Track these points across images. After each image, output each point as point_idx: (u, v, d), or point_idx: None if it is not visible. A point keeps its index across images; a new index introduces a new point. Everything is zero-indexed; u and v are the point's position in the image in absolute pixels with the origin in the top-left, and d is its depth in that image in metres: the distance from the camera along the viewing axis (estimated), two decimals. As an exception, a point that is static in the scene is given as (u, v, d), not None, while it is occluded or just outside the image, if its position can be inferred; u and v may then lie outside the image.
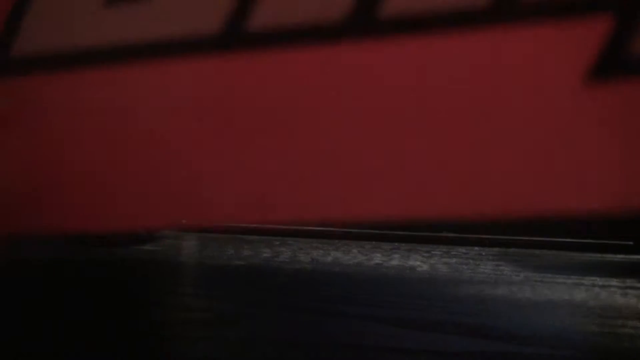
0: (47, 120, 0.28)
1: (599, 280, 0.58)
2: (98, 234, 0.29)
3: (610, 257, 0.82)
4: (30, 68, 0.28)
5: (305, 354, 0.31)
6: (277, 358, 0.31)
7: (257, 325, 0.34)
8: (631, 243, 0.79)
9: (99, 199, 0.30)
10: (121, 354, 0.28)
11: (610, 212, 0.26)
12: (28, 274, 0.54)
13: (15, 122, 0.28)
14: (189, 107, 0.28)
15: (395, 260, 0.62)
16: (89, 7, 0.29)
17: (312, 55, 0.27)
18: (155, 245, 0.67)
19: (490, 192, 0.26)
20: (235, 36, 0.27)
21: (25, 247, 0.68)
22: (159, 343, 0.31)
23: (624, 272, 0.66)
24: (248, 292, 0.44)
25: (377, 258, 0.62)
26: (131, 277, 0.51)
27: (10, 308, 0.38)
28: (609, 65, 0.25)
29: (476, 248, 0.81)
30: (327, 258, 0.60)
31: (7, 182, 0.29)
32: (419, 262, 0.62)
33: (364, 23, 0.26)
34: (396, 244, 0.83)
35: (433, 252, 0.75)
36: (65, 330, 0.32)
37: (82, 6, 0.29)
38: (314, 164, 0.28)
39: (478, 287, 0.51)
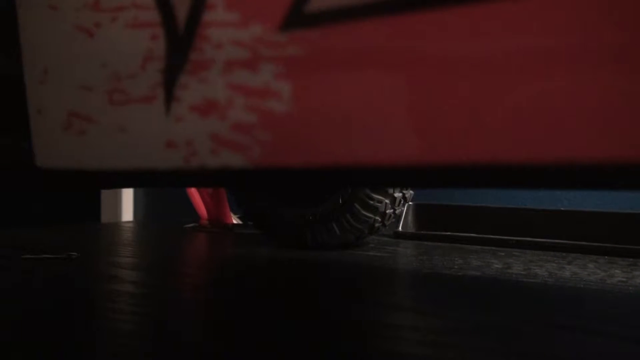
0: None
1: None
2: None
3: None
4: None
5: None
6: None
7: (525, 341, 0.33)
8: None
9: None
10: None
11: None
12: (248, 272, 0.58)
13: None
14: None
15: (639, 278, 0.57)
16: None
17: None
18: (379, 251, 0.69)
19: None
20: None
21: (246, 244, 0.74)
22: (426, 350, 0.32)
23: None
24: (501, 304, 0.43)
25: (618, 275, 0.57)
26: (372, 279, 0.53)
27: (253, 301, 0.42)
28: (295, 19, 0.31)
29: None
30: (564, 272, 0.57)
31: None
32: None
33: None
34: (631, 259, 0.75)
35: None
36: (291, 329, 0.34)
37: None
38: None
39: None
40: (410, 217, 0.92)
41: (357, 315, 0.38)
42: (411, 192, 0.73)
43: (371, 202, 0.67)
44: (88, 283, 0.48)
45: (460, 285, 0.49)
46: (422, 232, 0.85)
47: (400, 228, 0.87)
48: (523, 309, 0.41)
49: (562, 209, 0.87)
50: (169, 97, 0.36)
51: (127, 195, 1.48)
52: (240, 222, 1.02)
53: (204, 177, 0.36)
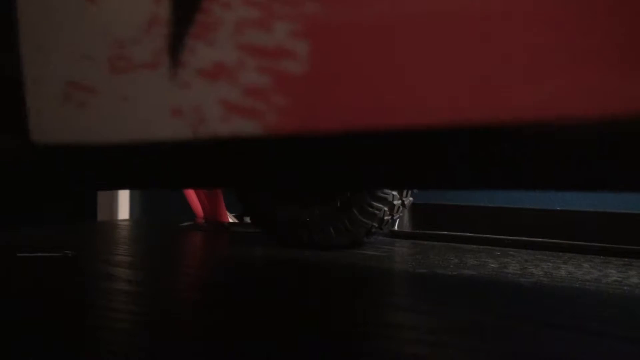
0: None
1: None
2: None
3: None
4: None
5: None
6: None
7: (522, 340, 0.34)
8: None
9: None
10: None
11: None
12: (245, 272, 0.58)
13: None
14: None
15: (635, 278, 0.57)
16: None
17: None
18: (376, 250, 0.70)
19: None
20: None
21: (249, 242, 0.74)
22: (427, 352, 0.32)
23: None
24: (497, 303, 0.43)
25: (613, 274, 0.57)
26: (369, 278, 0.53)
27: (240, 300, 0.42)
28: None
29: None
30: (559, 272, 0.57)
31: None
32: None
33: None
34: (626, 259, 0.75)
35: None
36: (287, 326, 0.34)
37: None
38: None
39: None
40: (406, 216, 0.92)
41: (355, 314, 0.38)
42: (410, 198, 0.73)
43: (370, 209, 0.67)
44: (84, 281, 0.48)
45: (457, 285, 0.49)
46: (418, 231, 0.86)
47: (396, 227, 0.87)
48: (519, 308, 0.42)
49: (557, 209, 0.87)
50: (175, 62, 0.35)
51: (124, 194, 1.48)
52: (236, 220, 1.02)
53: (214, 149, 0.34)
